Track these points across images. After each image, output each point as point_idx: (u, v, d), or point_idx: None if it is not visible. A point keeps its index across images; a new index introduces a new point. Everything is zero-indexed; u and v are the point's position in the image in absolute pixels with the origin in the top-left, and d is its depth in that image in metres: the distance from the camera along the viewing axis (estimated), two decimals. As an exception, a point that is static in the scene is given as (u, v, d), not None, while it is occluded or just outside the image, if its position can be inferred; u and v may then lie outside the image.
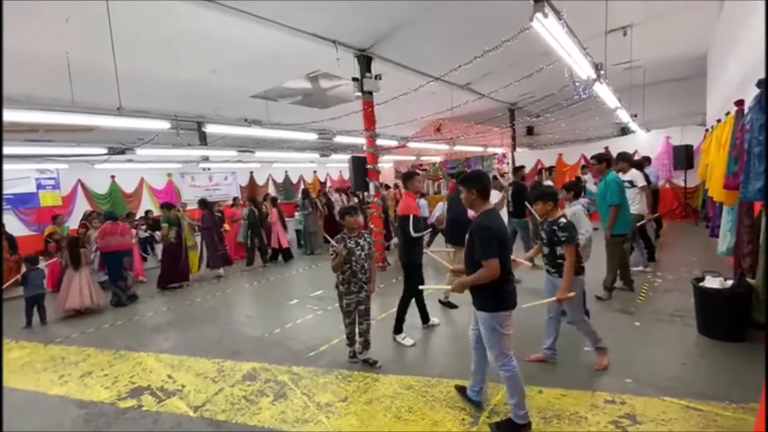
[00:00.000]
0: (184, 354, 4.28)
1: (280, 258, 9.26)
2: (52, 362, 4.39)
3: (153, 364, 4.11)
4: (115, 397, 3.48)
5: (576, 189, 4.12)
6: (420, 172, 4.85)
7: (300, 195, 10.84)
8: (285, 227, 9.36)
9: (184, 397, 3.36)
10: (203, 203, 8.32)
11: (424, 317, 4.42)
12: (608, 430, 2.48)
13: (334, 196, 11.08)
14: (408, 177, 4.27)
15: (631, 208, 5.14)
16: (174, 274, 7.42)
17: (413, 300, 4.23)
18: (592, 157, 5.01)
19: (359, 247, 3.49)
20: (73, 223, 9.23)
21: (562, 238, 2.99)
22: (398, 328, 4.17)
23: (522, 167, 7.05)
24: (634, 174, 5.50)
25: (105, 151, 7.74)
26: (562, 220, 3.04)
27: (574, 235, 3.01)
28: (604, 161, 4.81)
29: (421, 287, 3.67)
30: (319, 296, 6.10)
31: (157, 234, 8.58)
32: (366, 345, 3.65)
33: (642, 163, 7.51)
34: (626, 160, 5.41)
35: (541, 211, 3.20)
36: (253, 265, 8.78)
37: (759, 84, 3.34)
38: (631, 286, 4.97)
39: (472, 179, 2.54)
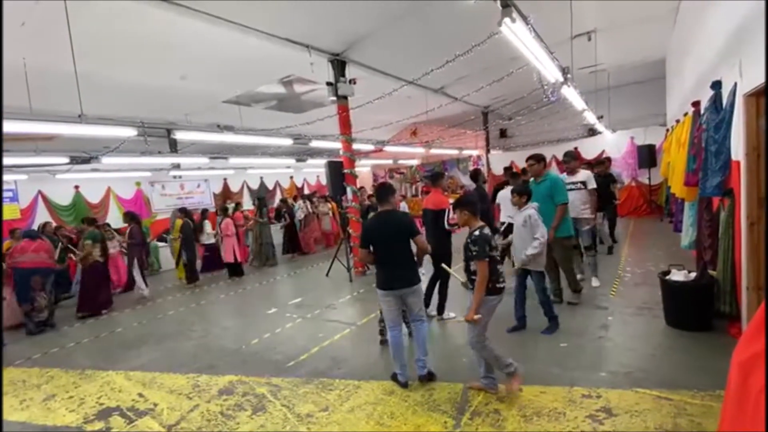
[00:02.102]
0: (156, 370, 4.09)
1: (242, 272, 8.64)
2: (11, 386, 4.11)
3: (122, 382, 3.92)
4: (81, 420, 3.29)
5: (528, 193, 3.92)
6: (444, 173, 5.31)
7: (258, 204, 10.06)
8: (240, 239, 8.77)
9: (156, 417, 3.21)
10: (130, 217, 7.57)
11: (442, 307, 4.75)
12: (586, 424, 2.53)
13: (298, 203, 10.67)
14: (437, 177, 4.99)
15: (586, 212, 4.93)
16: (97, 299, 6.59)
17: (436, 288, 4.72)
18: (530, 157, 4.57)
19: None
20: (33, 237, 8.72)
21: (473, 253, 2.74)
22: (442, 309, 4.68)
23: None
24: (586, 175, 5.02)
25: (67, 160, 7.38)
26: (476, 232, 2.78)
27: (485, 251, 2.72)
28: (542, 161, 4.51)
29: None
30: (297, 304, 5.99)
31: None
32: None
33: (598, 163, 7.36)
34: (575, 159, 5.07)
35: (459, 221, 2.96)
36: (198, 282, 8.10)
37: (713, 86, 3.53)
38: (560, 296, 4.64)
39: (375, 190, 3.46)
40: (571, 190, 4.91)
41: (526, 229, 3.72)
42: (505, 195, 5.70)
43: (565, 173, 5.14)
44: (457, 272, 3.36)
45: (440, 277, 4.63)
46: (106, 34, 4.71)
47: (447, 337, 4.30)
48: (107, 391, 3.75)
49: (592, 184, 4.97)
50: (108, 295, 6.88)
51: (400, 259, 3.17)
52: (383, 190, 3.36)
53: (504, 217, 5.97)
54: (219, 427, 2.96)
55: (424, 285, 4.16)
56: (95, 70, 5.42)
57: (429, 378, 3.18)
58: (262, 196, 11.97)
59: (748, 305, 3.09)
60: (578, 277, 5.16)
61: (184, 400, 3.42)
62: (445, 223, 4.49)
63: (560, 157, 4.81)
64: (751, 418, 1.13)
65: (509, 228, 5.90)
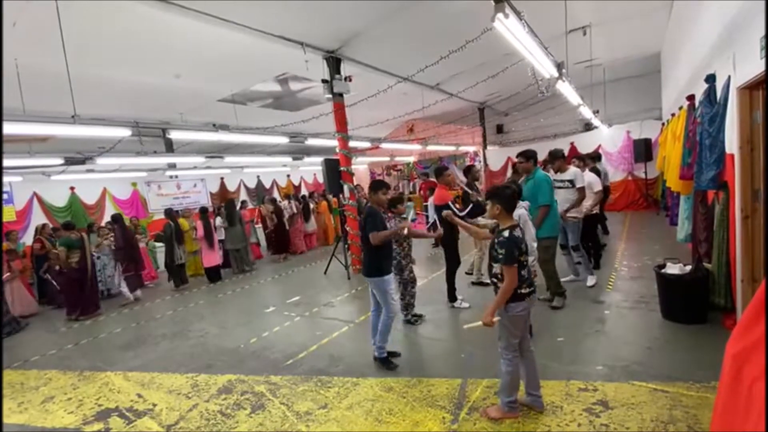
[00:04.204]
0: (154, 371, 4.10)
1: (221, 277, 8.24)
2: (9, 388, 4.10)
3: (121, 383, 3.92)
4: (80, 421, 3.29)
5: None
6: (447, 168, 5.42)
7: (224, 206, 9.11)
8: (212, 243, 8.14)
9: (155, 417, 3.21)
10: (113, 219, 7.44)
11: (452, 296, 4.97)
12: (582, 417, 2.55)
13: (284, 203, 10.43)
14: (439, 171, 5.04)
15: (572, 212, 4.83)
16: (79, 304, 6.47)
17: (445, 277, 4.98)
18: (519, 155, 4.41)
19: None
20: (28, 239, 8.70)
21: (498, 257, 2.45)
22: (452, 297, 4.92)
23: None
24: (574, 173, 4.88)
25: (62, 161, 7.35)
26: (505, 233, 2.45)
27: (513, 255, 2.40)
28: (531, 159, 4.33)
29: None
30: (295, 303, 5.99)
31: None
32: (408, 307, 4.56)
33: (584, 160, 6.79)
34: (560, 158, 4.91)
35: (489, 214, 2.65)
36: (184, 285, 7.86)
37: (707, 79, 3.54)
38: (560, 300, 4.42)
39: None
40: (559, 188, 4.81)
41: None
42: None
43: (551, 171, 4.99)
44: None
45: (448, 267, 4.89)
46: (99, 33, 4.67)
47: (445, 333, 4.31)
48: (106, 392, 3.75)
49: (581, 183, 4.82)
50: (93, 300, 6.66)
51: (364, 249, 3.63)
52: (370, 186, 3.76)
53: None
54: (218, 426, 2.96)
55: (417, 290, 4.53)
56: (88, 69, 5.38)
57: (375, 359, 3.60)
58: (230, 199, 11.36)
59: (742, 297, 3.11)
60: (570, 278, 5.14)
61: (183, 399, 3.43)
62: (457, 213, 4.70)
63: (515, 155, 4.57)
64: (744, 408, 1.15)
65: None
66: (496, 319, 2.47)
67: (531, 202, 4.11)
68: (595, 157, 7.73)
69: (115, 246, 7.27)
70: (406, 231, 3.76)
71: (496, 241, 2.50)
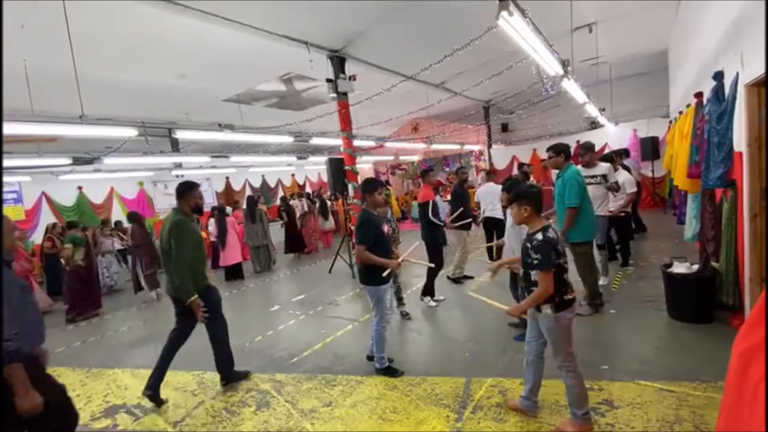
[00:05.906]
0: (161, 368, 4.13)
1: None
2: (19, 385, 4.16)
3: (129, 380, 3.96)
4: (88, 418, 3.33)
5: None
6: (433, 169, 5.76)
7: (246, 204, 9.16)
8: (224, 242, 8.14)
9: (162, 413, 3.25)
10: (133, 218, 7.42)
11: (430, 292, 5.08)
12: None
13: (294, 202, 10.42)
14: (425, 173, 5.54)
15: (604, 209, 4.61)
16: (85, 303, 6.52)
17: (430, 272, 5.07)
18: (549, 149, 4.11)
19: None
20: (37, 238, 8.82)
21: (535, 261, 2.26)
22: (425, 292, 5.06)
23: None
24: (607, 168, 4.59)
25: (69, 161, 7.43)
26: (539, 235, 2.28)
27: (551, 260, 2.23)
28: (562, 153, 4.01)
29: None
30: (300, 301, 6.02)
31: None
32: (400, 301, 4.80)
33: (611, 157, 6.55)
34: (591, 150, 4.59)
35: (516, 217, 2.47)
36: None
37: (715, 76, 3.50)
38: (588, 310, 4.13)
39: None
40: (589, 184, 4.43)
41: (514, 229, 3.45)
42: (484, 191, 5.97)
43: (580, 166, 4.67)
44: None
45: (438, 266, 4.99)
46: (105, 34, 4.71)
47: (449, 332, 4.31)
48: (114, 389, 3.80)
49: (613, 178, 4.60)
50: (94, 299, 6.71)
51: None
52: (362, 187, 3.51)
53: (486, 213, 6.23)
54: (223, 423, 2.99)
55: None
56: (95, 70, 5.44)
57: (377, 371, 3.42)
58: (250, 196, 11.33)
59: (750, 296, 3.08)
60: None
61: (189, 396, 3.46)
62: (430, 215, 4.97)
63: (545, 149, 4.31)
64: (749, 407, 1.13)
65: (488, 222, 5.97)
66: (525, 315, 2.50)
67: (560, 203, 3.96)
68: (624, 152, 7.10)
69: (132, 243, 7.37)
70: (397, 263, 3.42)
71: (529, 245, 2.32)
